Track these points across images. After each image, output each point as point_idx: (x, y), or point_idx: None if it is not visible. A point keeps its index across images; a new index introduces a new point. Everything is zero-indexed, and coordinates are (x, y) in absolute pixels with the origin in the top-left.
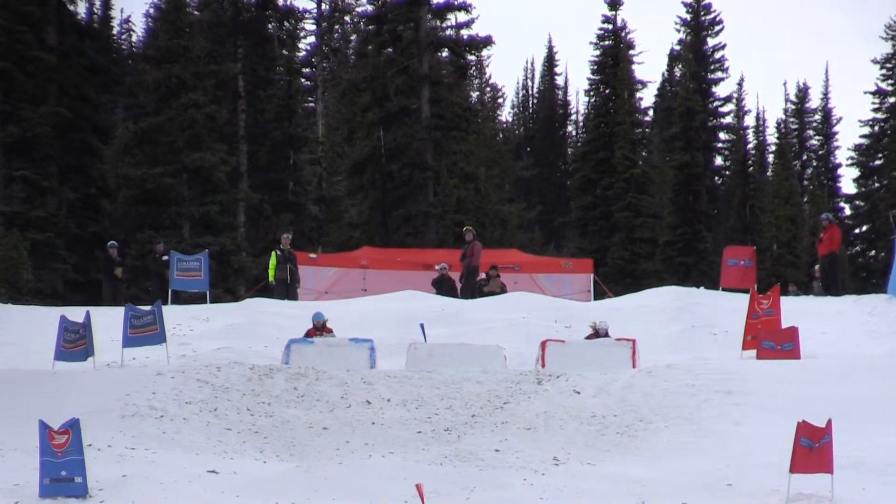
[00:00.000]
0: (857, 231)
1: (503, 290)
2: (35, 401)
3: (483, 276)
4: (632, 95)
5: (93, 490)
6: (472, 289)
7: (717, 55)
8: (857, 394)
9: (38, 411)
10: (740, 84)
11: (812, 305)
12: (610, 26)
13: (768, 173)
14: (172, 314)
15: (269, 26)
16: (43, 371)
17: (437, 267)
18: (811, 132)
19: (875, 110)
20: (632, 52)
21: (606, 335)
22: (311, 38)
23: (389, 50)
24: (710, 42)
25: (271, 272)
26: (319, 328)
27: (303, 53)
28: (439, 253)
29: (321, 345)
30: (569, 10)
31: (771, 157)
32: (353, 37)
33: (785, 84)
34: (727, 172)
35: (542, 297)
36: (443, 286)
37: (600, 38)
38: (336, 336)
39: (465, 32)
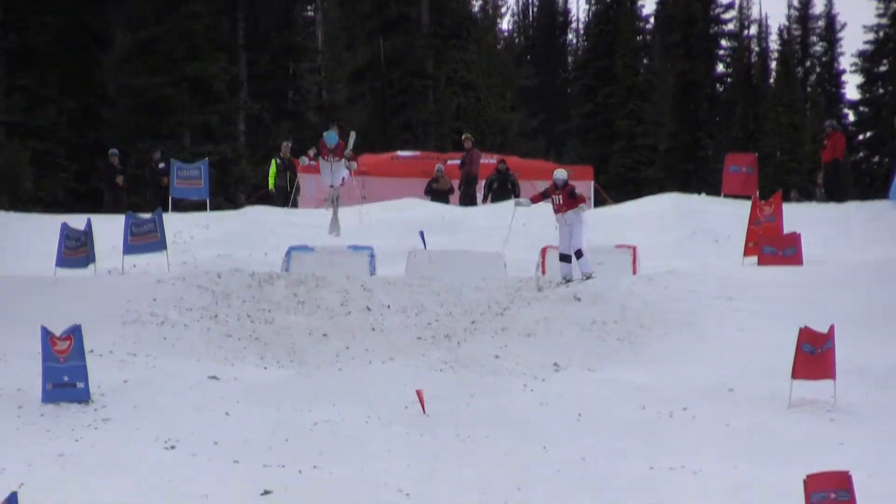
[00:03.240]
0: (860, 137)
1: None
2: (37, 307)
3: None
4: (633, 2)
5: (95, 395)
6: (471, 196)
7: None
8: (859, 300)
9: (40, 317)
10: None
11: (814, 212)
12: None
13: (771, 80)
14: (173, 222)
15: None
16: (44, 278)
17: (435, 169)
18: (815, 38)
19: (880, 16)
20: None
21: (565, 186)
22: None
23: None
24: None
25: (271, 180)
26: (333, 149)
27: None
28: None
29: (322, 252)
30: None
31: (774, 65)
32: None
33: None
34: (729, 80)
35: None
36: (437, 193)
37: None
38: (350, 151)
39: None
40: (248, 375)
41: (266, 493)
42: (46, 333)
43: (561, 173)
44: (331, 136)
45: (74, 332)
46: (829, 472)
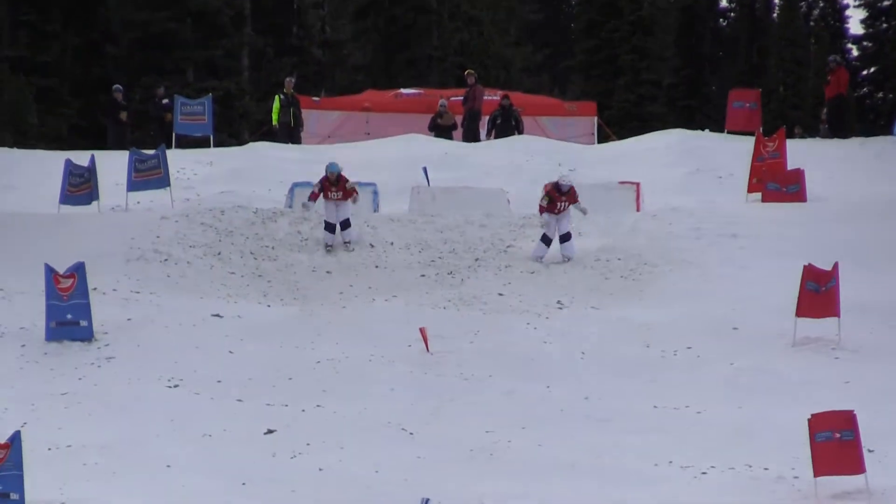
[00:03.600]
0: (864, 73)
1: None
2: (40, 245)
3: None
4: None
5: (98, 333)
6: (475, 132)
7: None
8: (864, 237)
9: (44, 255)
10: None
11: (818, 148)
12: None
13: (774, 15)
14: (176, 158)
15: None
16: (48, 215)
17: (439, 104)
18: None
19: None
20: None
21: (570, 192)
22: None
23: None
24: None
25: (275, 116)
26: (334, 181)
27: None
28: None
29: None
30: None
31: None
32: None
33: None
34: (733, 14)
35: (545, 140)
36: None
37: None
38: (352, 185)
39: None
40: (252, 313)
41: (269, 431)
42: (50, 271)
43: (567, 179)
44: (333, 166)
45: (78, 270)
46: (834, 412)
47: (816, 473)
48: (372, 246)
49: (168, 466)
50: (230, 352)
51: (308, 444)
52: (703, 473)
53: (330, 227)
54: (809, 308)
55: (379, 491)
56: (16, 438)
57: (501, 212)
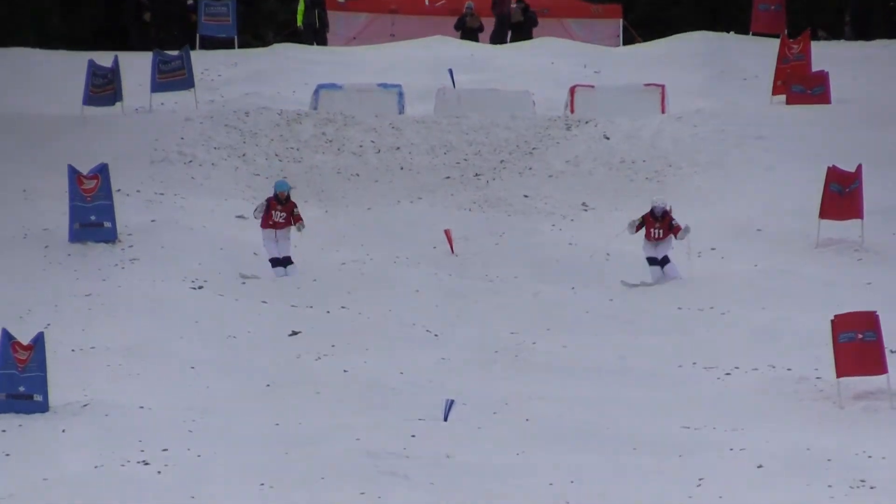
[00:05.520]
0: None
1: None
2: (64, 146)
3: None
4: None
5: (122, 235)
6: (502, 36)
7: None
8: (888, 139)
9: (67, 156)
10: None
11: (842, 51)
12: None
13: None
14: (200, 60)
15: None
16: (71, 116)
17: (465, 6)
18: None
19: None
20: None
21: (664, 216)
22: None
23: None
24: None
25: (300, 17)
26: (283, 200)
27: None
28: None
29: (350, 90)
30: None
31: None
32: None
33: None
34: None
35: (570, 42)
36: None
37: None
38: (298, 213)
39: None
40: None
41: (294, 333)
42: (73, 172)
43: (661, 202)
44: (282, 185)
45: (102, 172)
46: (856, 312)
47: (839, 374)
48: (397, 148)
49: (192, 368)
50: (255, 253)
51: (333, 346)
52: (727, 374)
53: (276, 262)
54: (833, 210)
55: (403, 392)
56: (39, 340)
57: (527, 114)
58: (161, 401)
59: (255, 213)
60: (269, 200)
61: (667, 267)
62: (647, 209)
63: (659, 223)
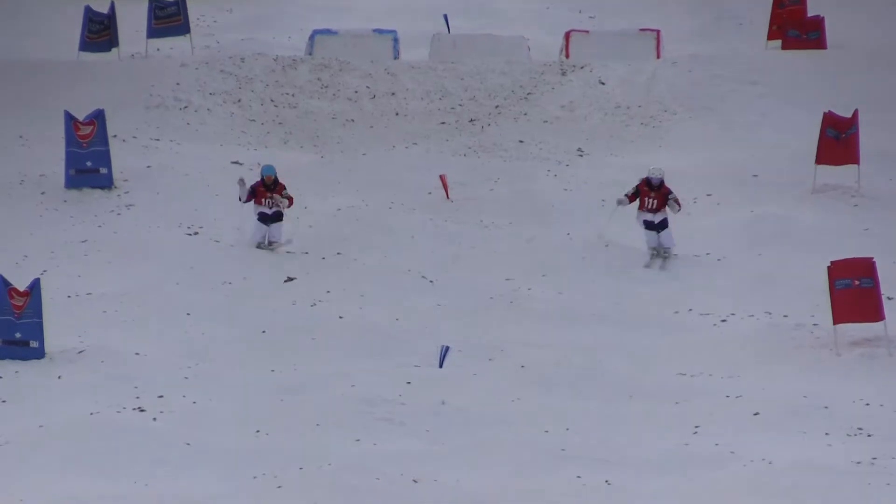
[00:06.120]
0: None
1: None
2: (59, 92)
3: None
4: None
5: (118, 181)
6: None
7: None
8: (884, 84)
9: (63, 102)
10: None
11: None
12: None
13: None
14: (196, 6)
15: None
16: (67, 62)
17: None
18: None
19: None
20: None
21: (661, 186)
22: None
23: None
24: None
25: None
26: (270, 184)
27: None
28: None
29: (345, 36)
30: None
31: None
32: None
33: None
34: None
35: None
36: None
37: None
38: (288, 193)
39: None
40: (272, 160)
41: (289, 279)
42: (70, 118)
43: (657, 172)
44: (268, 169)
45: (98, 118)
46: (853, 259)
47: (836, 321)
48: (392, 94)
49: (188, 314)
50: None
51: (328, 293)
52: (723, 321)
53: (263, 218)
54: (829, 155)
55: (399, 338)
56: (35, 286)
57: (522, 59)
58: (156, 347)
59: (240, 199)
60: (255, 187)
61: (663, 233)
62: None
63: (654, 193)
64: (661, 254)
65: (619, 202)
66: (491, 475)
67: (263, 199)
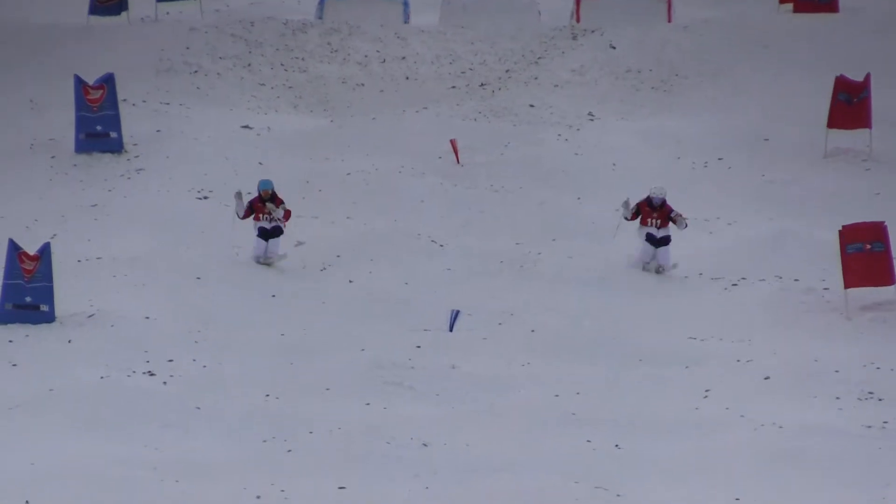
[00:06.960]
0: None
1: None
2: (70, 56)
3: None
4: None
5: (128, 145)
6: None
7: None
8: None
9: (73, 66)
10: None
11: None
12: None
13: None
14: None
15: None
16: (77, 26)
17: None
18: None
19: None
20: None
21: (662, 205)
22: None
23: None
24: None
25: None
26: (267, 198)
27: None
28: None
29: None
30: None
31: None
32: None
33: None
34: None
35: None
36: None
37: None
38: (286, 207)
39: None
40: (282, 124)
41: (299, 243)
42: (79, 82)
43: (659, 192)
44: (266, 183)
45: (107, 82)
46: (864, 223)
47: (847, 285)
48: (403, 58)
49: (198, 278)
50: (260, 163)
51: (338, 257)
52: (734, 285)
53: (262, 234)
54: (841, 119)
55: (409, 303)
56: (45, 250)
57: (532, 24)
58: (166, 311)
59: (237, 213)
60: (252, 203)
61: (661, 249)
62: (644, 198)
63: (656, 213)
64: (654, 269)
65: (624, 204)
66: (500, 439)
67: (261, 214)
